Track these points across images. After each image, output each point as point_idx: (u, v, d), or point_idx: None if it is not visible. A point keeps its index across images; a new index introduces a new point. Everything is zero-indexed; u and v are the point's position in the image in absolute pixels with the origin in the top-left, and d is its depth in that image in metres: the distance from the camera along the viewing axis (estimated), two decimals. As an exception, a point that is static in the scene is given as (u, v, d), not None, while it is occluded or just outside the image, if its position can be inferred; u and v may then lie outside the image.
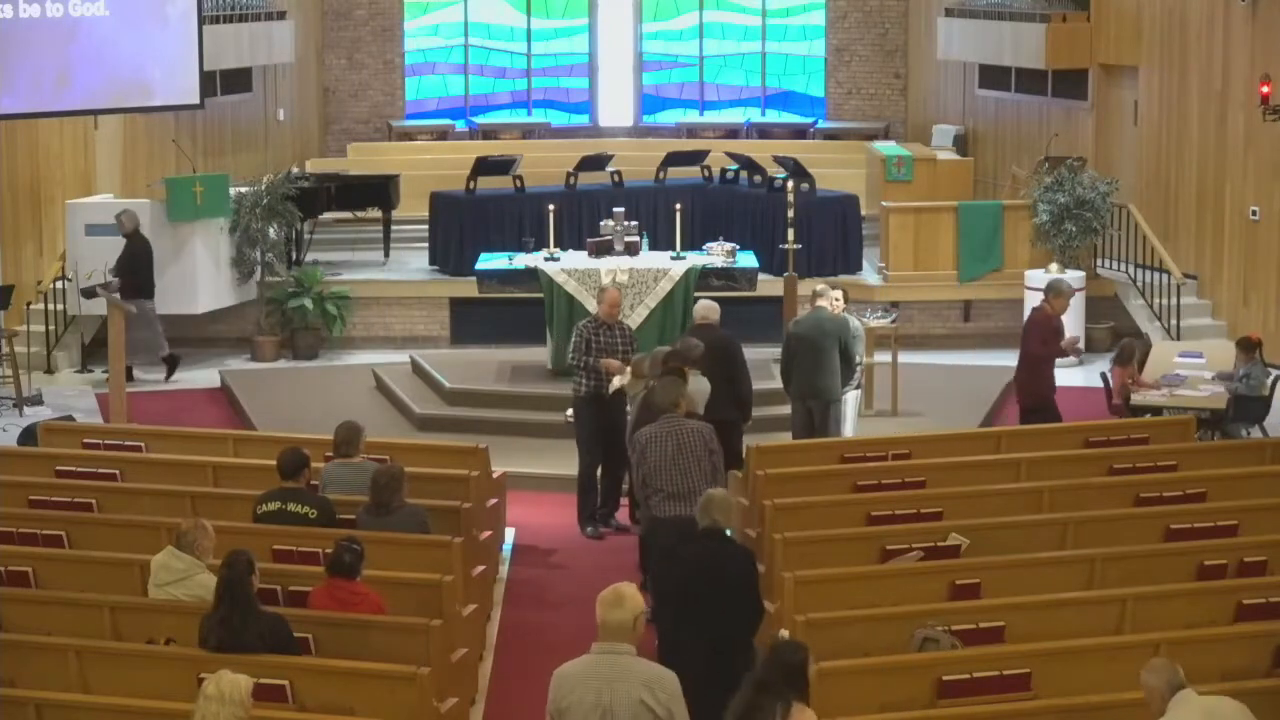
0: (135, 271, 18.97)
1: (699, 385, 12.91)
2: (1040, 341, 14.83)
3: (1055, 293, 14.97)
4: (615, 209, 18.62)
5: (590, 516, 14.54)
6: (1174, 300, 19.73)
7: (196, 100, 20.66)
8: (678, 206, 18.32)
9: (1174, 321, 19.61)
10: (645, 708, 7.50)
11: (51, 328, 19.98)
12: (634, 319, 17.04)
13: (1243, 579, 10.68)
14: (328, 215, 22.40)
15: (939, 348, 20.44)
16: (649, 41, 27.15)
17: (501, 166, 21.96)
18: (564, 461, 15.23)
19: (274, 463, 11.67)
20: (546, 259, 17.90)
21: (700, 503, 9.84)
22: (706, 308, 14.57)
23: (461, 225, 21.32)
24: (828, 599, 10.28)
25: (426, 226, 21.83)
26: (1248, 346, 16.09)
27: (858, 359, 15.10)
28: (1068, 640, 9.58)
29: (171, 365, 19.60)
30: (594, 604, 7.68)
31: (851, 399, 15.30)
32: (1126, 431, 13.96)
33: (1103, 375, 16.52)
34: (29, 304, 20.02)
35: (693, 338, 13.78)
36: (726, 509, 9.77)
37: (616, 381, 14.24)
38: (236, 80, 23.51)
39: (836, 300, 15.03)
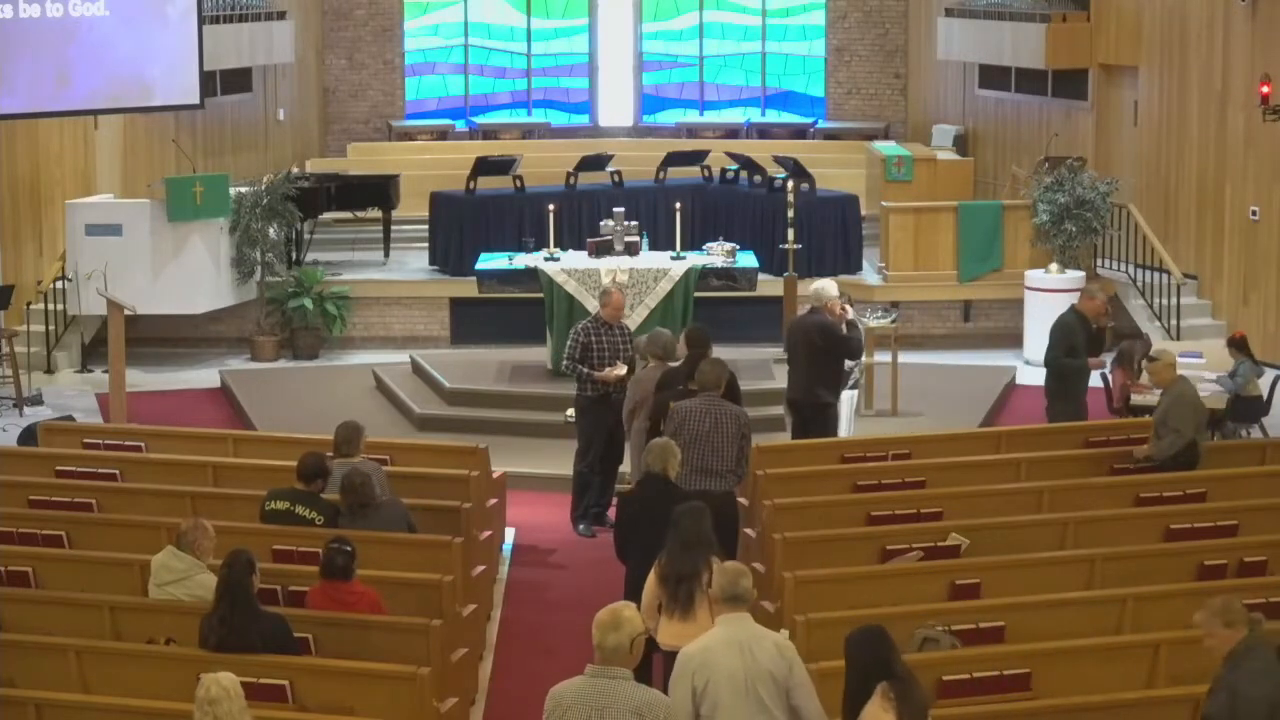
0: None
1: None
2: None
3: None
4: (615, 209, 18.60)
5: (584, 514, 14.58)
6: (1174, 300, 19.73)
7: (196, 100, 20.66)
8: (678, 206, 18.31)
9: (1174, 321, 19.61)
10: None
11: (51, 328, 19.97)
12: (634, 319, 17.02)
13: (1243, 579, 10.68)
14: (328, 215, 22.39)
15: (939, 348, 20.42)
16: (649, 41, 27.13)
17: (501, 166, 21.94)
18: (564, 461, 15.22)
19: (274, 462, 11.66)
20: (546, 259, 17.90)
21: (645, 451, 10.96)
22: (820, 289, 14.64)
23: (461, 225, 21.31)
24: (828, 599, 10.28)
25: (426, 226, 21.82)
26: (1240, 345, 16.09)
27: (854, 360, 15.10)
28: (1068, 640, 9.58)
29: None
30: (594, 604, 7.64)
31: (846, 399, 15.31)
32: (1126, 431, 13.94)
33: (1103, 376, 16.50)
34: (29, 304, 20.01)
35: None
36: (663, 455, 10.74)
37: (621, 369, 14.32)
38: (236, 80, 23.50)
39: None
